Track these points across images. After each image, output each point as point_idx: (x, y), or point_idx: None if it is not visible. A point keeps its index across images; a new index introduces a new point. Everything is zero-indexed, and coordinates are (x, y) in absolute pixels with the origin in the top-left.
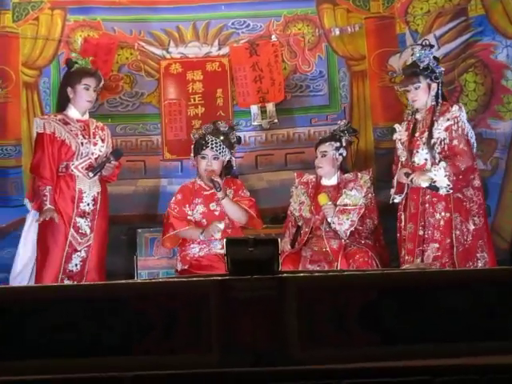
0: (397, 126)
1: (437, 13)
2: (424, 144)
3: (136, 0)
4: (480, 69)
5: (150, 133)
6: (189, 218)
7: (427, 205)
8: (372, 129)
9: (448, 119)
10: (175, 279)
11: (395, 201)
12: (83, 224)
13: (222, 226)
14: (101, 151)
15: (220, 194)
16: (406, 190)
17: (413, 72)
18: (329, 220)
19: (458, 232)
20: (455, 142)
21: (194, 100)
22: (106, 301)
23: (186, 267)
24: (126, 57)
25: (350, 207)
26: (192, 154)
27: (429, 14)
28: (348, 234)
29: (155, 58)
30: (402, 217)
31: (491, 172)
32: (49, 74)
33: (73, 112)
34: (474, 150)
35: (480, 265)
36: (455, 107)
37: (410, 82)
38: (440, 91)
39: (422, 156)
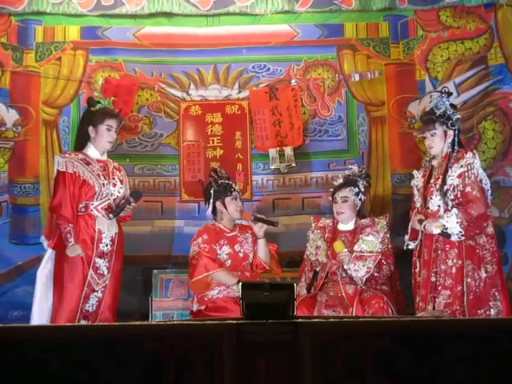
0: (415, 172)
1: (457, 60)
2: (437, 190)
3: (158, 42)
4: (499, 117)
5: (168, 174)
6: (219, 257)
7: (440, 251)
8: (390, 174)
9: (462, 166)
10: (190, 322)
11: (409, 247)
12: (102, 264)
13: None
14: (119, 192)
15: (261, 233)
16: (420, 237)
17: (429, 119)
18: (345, 267)
19: (469, 279)
20: (468, 189)
21: (213, 142)
22: (121, 341)
23: (202, 308)
24: (146, 98)
25: (366, 254)
26: (211, 199)
27: (449, 61)
28: (364, 280)
29: (175, 100)
30: (417, 263)
31: (508, 220)
32: (68, 113)
33: (92, 151)
34: (489, 197)
35: (493, 313)
36: (469, 154)
37: (427, 128)
38: (456, 138)
39: (435, 202)
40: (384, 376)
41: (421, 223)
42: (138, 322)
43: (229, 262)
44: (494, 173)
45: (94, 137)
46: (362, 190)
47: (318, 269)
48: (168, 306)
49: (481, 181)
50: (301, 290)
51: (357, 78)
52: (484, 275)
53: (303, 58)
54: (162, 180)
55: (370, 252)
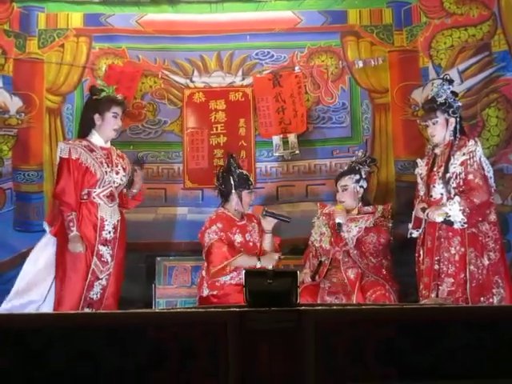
0: (419, 160)
1: (460, 47)
2: (440, 178)
3: (161, 29)
4: (502, 104)
5: (172, 161)
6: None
7: (443, 239)
8: (394, 162)
9: (464, 154)
10: (193, 310)
11: (413, 235)
12: (105, 252)
13: (276, 257)
14: (122, 180)
15: (269, 227)
16: (423, 225)
17: (430, 107)
18: (336, 221)
19: (472, 267)
20: (470, 177)
21: (217, 129)
22: (124, 330)
23: (214, 293)
24: (149, 85)
25: (358, 216)
26: (232, 189)
27: (452, 48)
28: (355, 240)
29: (179, 87)
30: (421, 251)
31: None
32: (72, 101)
33: (97, 139)
34: (492, 184)
35: (496, 300)
36: (471, 142)
37: (428, 117)
38: (458, 126)
39: (438, 190)
40: (387, 364)
41: (424, 211)
42: (141, 310)
43: (242, 250)
44: (497, 160)
45: (99, 124)
46: (364, 176)
47: (323, 259)
48: (171, 293)
49: (483, 168)
50: (305, 277)
51: (360, 64)
52: (487, 262)
53: (307, 45)
54: (165, 167)
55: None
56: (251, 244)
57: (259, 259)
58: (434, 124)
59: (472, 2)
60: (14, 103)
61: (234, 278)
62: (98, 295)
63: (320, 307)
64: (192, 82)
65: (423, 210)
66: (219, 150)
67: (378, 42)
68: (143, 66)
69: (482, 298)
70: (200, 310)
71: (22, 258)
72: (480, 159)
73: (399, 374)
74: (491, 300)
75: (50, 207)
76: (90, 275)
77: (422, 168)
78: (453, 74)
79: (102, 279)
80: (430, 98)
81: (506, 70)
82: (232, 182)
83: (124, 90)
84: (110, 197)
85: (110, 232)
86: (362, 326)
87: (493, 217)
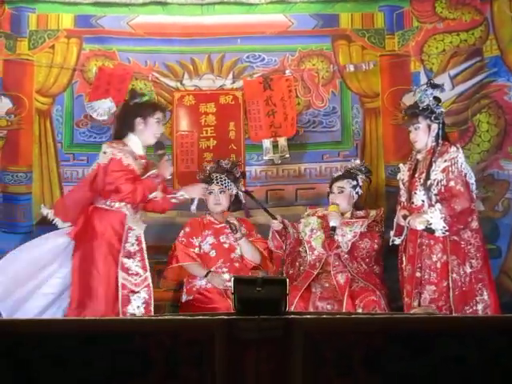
0: (401, 165)
1: (452, 52)
2: (421, 185)
3: (152, 31)
4: (494, 110)
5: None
6: (196, 251)
7: (424, 247)
8: (384, 166)
9: (445, 160)
10: (180, 317)
11: (395, 243)
12: (132, 264)
13: (226, 277)
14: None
15: (238, 235)
16: (405, 232)
17: (413, 113)
18: (330, 224)
19: (454, 275)
20: (452, 184)
21: (207, 132)
22: (109, 337)
23: (190, 298)
24: (139, 87)
25: (353, 219)
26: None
27: (444, 53)
28: (350, 245)
29: (169, 90)
30: (403, 258)
31: (503, 213)
32: (62, 102)
33: (135, 145)
34: (474, 191)
35: (480, 308)
36: (453, 148)
37: (411, 122)
38: (441, 132)
39: (419, 197)
40: (375, 374)
41: (405, 218)
42: (126, 317)
43: (213, 252)
44: (488, 166)
45: (141, 129)
46: (360, 184)
47: (303, 250)
48: (160, 297)
49: (465, 175)
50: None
51: (351, 69)
52: (469, 270)
53: (298, 49)
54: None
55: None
56: (226, 246)
57: (206, 275)
58: (416, 129)
59: (464, 7)
60: (4, 104)
61: (208, 283)
62: (142, 309)
63: (309, 316)
64: (182, 84)
65: (404, 217)
66: (209, 154)
67: (370, 46)
68: (133, 68)
69: (465, 307)
70: (187, 317)
71: None
72: (461, 166)
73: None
74: (475, 308)
75: (75, 205)
76: (120, 289)
77: (404, 174)
78: (444, 78)
79: (139, 292)
80: (412, 103)
81: (497, 75)
82: (205, 185)
83: (114, 93)
84: (136, 208)
85: (132, 244)
86: (350, 335)
87: (474, 224)
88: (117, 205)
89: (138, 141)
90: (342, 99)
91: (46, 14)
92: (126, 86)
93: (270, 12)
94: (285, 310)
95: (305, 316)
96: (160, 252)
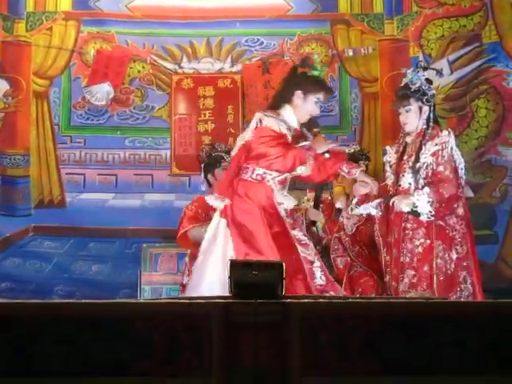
0: (388, 148)
1: (451, 38)
2: (410, 168)
3: (150, 14)
4: (492, 95)
5: (159, 147)
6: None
7: (408, 231)
8: (382, 151)
9: (436, 144)
10: (177, 301)
11: (371, 212)
12: (300, 235)
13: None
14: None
15: None
16: (379, 207)
17: (404, 94)
18: (336, 205)
19: (439, 260)
20: (441, 168)
21: (205, 116)
22: (107, 320)
23: None
24: (137, 70)
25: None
26: (203, 173)
27: (443, 38)
28: (354, 228)
29: (167, 73)
30: (380, 241)
31: (500, 199)
32: (59, 84)
33: (291, 118)
34: (462, 178)
35: (463, 296)
36: (444, 132)
37: (401, 104)
38: (432, 115)
39: (407, 180)
40: (373, 358)
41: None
42: (124, 300)
43: None
44: (485, 151)
45: (298, 103)
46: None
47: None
48: (157, 280)
49: (454, 161)
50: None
51: (350, 53)
52: (455, 256)
53: (297, 33)
54: (152, 153)
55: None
56: None
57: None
58: (406, 112)
59: None
60: (2, 86)
61: None
62: (324, 279)
63: (306, 300)
64: (181, 67)
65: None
66: (207, 137)
67: (369, 30)
68: (132, 50)
69: (450, 293)
70: (184, 301)
71: (5, 242)
72: (452, 151)
73: (385, 368)
74: (459, 295)
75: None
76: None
77: (391, 156)
78: (443, 64)
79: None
80: (403, 84)
81: (496, 61)
82: (202, 166)
83: (113, 76)
84: (283, 182)
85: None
86: (348, 319)
87: (460, 210)
88: (264, 176)
89: (293, 116)
90: (340, 84)
91: None
92: (125, 70)
93: None
94: (281, 294)
95: (302, 300)
96: (156, 235)
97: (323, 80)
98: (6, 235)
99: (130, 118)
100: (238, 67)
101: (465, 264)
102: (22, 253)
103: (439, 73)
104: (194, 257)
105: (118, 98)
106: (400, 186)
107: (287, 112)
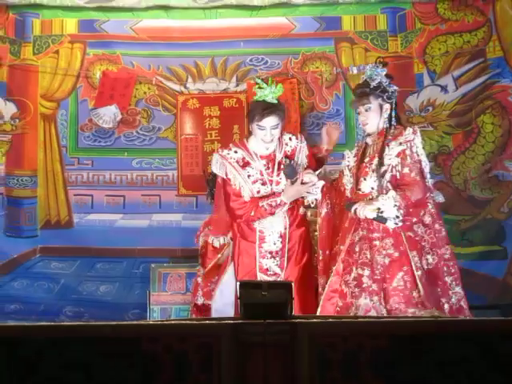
0: (347, 152)
1: (455, 54)
2: (373, 171)
3: (155, 35)
4: (498, 110)
5: (166, 167)
6: None
7: (375, 241)
8: None
9: (401, 143)
10: (187, 322)
11: (316, 197)
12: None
13: None
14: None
15: None
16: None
17: (363, 92)
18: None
19: (419, 272)
20: (406, 170)
21: (211, 136)
22: (116, 341)
23: (209, 302)
24: (143, 91)
25: None
26: (208, 188)
27: (447, 54)
28: None
29: (173, 93)
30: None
31: (508, 214)
32: (66, 107)
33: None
34: (429, 181)
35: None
36: (408, 130)
37: (361, 103)
38: (394, 113)
39: (369, 184)
40: (380, 377)
41: (349, 208)
42: (133, 322)
43: None
44: (492, 167)
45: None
46: None
47: None
48: (166, 300)
49: (420, 162)
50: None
51: (355, 71)
52: (426, 267)
53: (301, 51)
54: (159, 174)
55: None
56: None
57: None
58: (366, 111)
59: (467, 8)
60: (9, 109)
61: None
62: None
63: (315, 319)
64: (186, 88)
65: (348, 207)
66: None
67: (373, 48)
68: (137, 72)
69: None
70: (193, 322)
71: (13, 263)
72: (418, 151)
73: None
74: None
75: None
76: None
77: (350, 159)
78: (448, 80)
79: None
80: (362, 81)
81: (500, 76)
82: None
83: (119, 98)
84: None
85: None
86: (356, 338)
87: (427, 219)
88: None
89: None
90: (345, 101)
91: (50, 19)
92: (131, 91)
93: (273, 15)
94: (290, 314)
95: (310, 320)
96: (164, 255)
97: (259, 104)
98: (13, 256)
99: (136, 139)
100: (242, 86)
101: (439, 274)
102: (29, 274)
103: (444, 89)
104: (209, 277)
105: (125, 120)
106: (360, 190)
107: (251, 141)
